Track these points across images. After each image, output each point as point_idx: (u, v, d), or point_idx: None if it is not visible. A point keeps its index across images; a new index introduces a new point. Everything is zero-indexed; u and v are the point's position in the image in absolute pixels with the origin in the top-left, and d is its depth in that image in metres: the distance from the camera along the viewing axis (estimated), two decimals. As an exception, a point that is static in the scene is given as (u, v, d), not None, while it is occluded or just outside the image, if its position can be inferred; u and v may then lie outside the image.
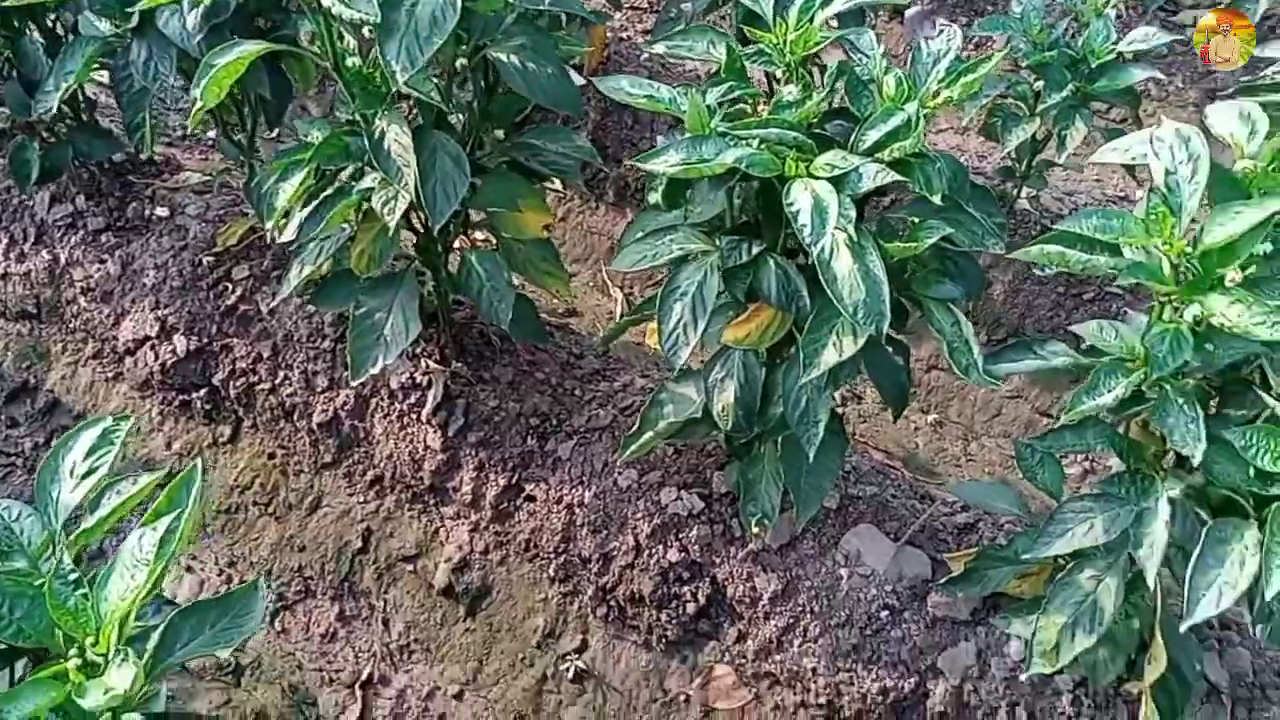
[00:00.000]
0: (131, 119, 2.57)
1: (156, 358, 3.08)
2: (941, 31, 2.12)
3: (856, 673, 2.50)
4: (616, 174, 3.81)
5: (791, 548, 2.63)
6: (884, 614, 2.53)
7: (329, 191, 2.35)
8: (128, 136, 2.63)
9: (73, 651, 1.22)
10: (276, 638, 2.88)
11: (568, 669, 2.76)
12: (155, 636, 1.33)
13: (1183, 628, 1.66)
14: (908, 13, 4.33)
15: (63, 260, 3.22)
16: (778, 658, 2.58)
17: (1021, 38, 2.94)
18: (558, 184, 3.64)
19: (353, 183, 2.33)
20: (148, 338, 3.10)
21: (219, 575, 2.97)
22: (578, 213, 3.89)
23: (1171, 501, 1.84)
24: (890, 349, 2.27)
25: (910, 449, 3.51)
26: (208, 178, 3.43)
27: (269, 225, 2.27)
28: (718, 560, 2.66)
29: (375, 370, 2.56)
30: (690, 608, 2.67)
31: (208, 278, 3.12)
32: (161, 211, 3.25)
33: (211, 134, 3.93)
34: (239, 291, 3.09)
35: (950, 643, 2.49)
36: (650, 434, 2.38)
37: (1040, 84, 2.92)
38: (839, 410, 2.38)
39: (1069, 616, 2.04)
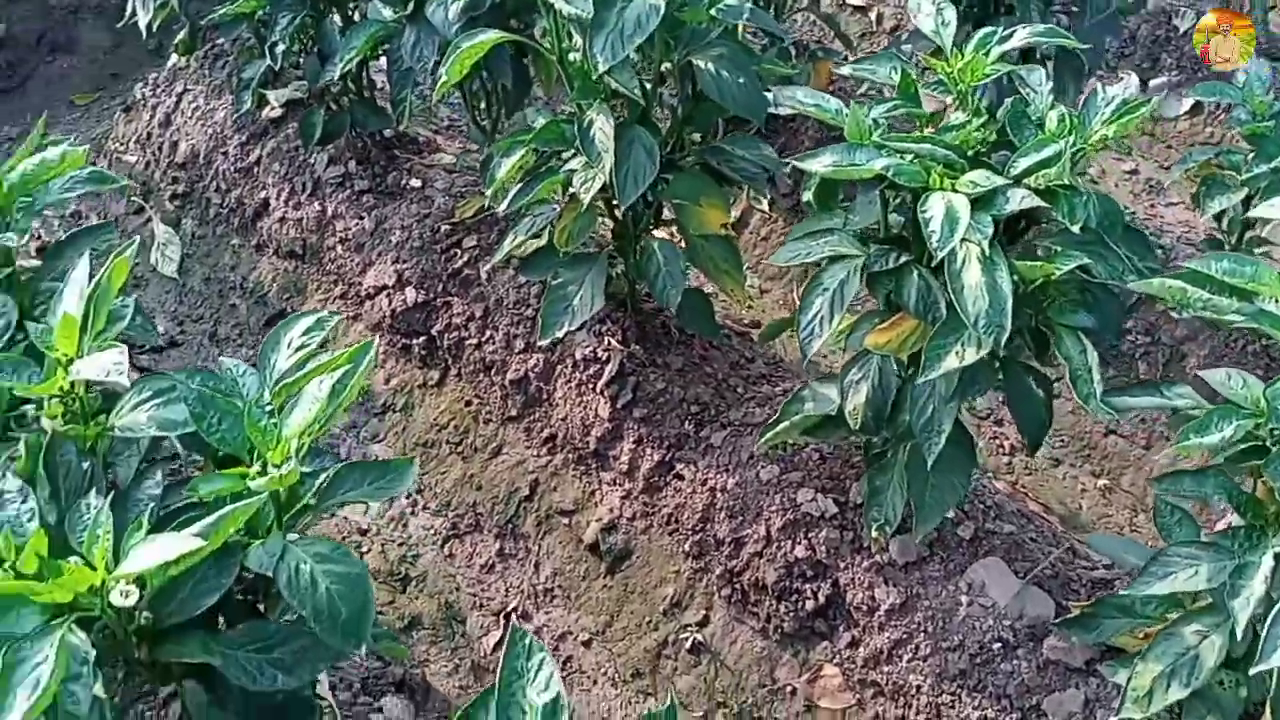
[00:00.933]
0: (397, 94, 3.04)
1: (390, 304, 3.56)
2: (1122, 79, 2.20)
3: (960, 698, 2.54)
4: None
5: (916, 566, 2.71)
6: (997, 646, 2.56)
7: (542, 169, 2.69)
8: (392, 109, 3.10)
9: (256, 461, 1.56)
10: (444, 560, 3.25)
11: (687, 639, 2.95)
12: (325, 476, 1.67)
13: (1252, 670, 1.67)
14: (1152, 83, 4.27)
15: (329, 213, 3.78)
16: (886, 669, 2.66)
17: (1241, 106, 2.90)
18: (758, 202, 3.88)
19: (561, 164, 2.66)
20: (386, 286, 3.58)
21: (406, 499, 3.38)
22: (779, 234, 4.10)
23: (1277, 557, 1.83)
24: (1032, 381, 2.35)
25: (1073, 509, 3.46)
26: (456, 160, 3.91)
27: (488, 192, 2.65)
28: (842, 565, 2.78)
29: (559, 334, 2.90)
30: (809, 605, 2.80)
31: (442, 243, 3.57)
32: (415, 183, 3.75)
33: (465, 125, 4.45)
34: (465, 258, 3.51)
35: (1059, 687, 2.49)
36: (787, 424, 2.55)
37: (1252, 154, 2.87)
38: (970, 431, 2.45)
39: (1166, 665, 2.04)
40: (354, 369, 1.59)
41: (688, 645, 2.95)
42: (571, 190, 2.68)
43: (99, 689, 1.35)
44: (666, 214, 2.95)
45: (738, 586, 2.91)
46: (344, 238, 3.74)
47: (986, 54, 2.18)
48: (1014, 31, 2.29)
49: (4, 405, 1.63)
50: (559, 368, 3.28)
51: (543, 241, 3.03)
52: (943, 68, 2.19)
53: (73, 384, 1.57)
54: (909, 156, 2.04)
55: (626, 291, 3.16)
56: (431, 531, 3.32)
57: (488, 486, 3.36)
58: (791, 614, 2.82)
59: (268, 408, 1.60)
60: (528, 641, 1.45)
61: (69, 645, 1.27)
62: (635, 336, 3.24)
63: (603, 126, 2.46)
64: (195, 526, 1.34)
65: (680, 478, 3.04)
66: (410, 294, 3.54)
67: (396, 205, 3.71)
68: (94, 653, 1.30)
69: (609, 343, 3.22)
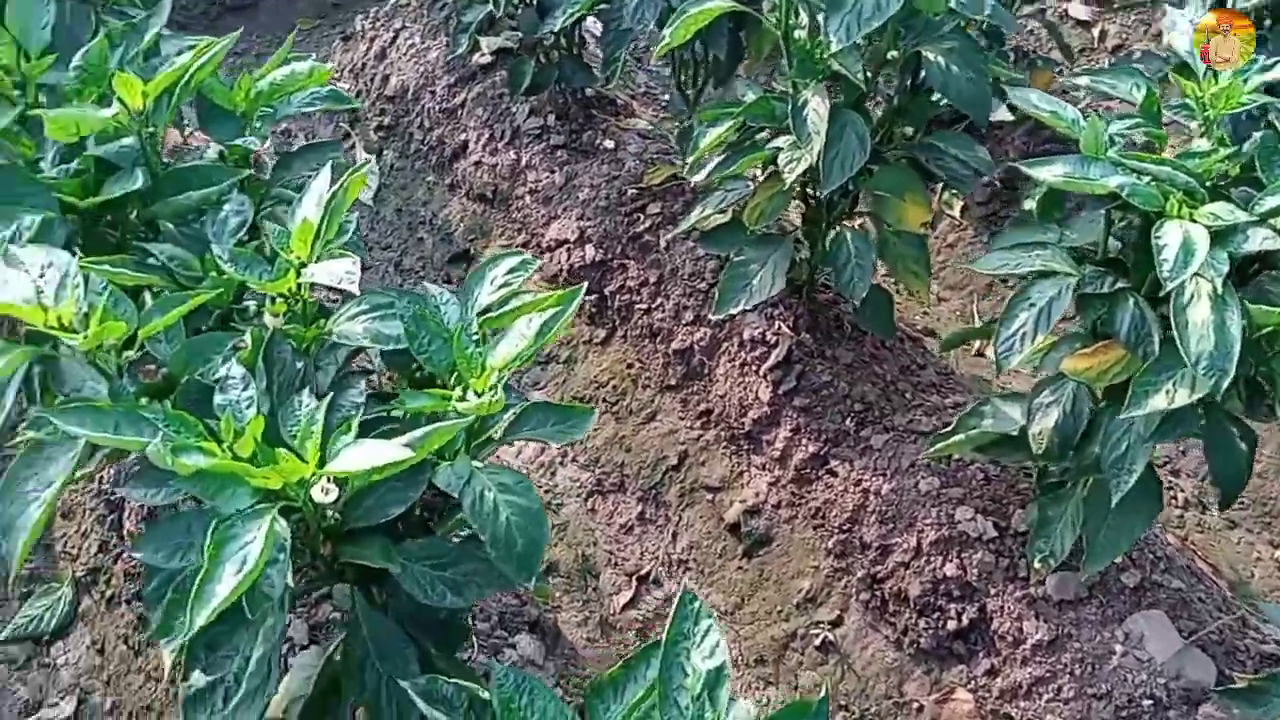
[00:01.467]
0: (610, 54, 3.07)
1: (569, 259, 3.61)
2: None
3: (1098, 748, 2.44)
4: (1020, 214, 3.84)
5: (1073, 606, 2.60)
6: (1148, 703, 2.44)
7: (745, 144, 2.67)
8: (602, 69, 3.13)
9: (458, 386, 1.61)
10: (585, 514, 3.30)
11: (817, 636, 2.91)
12: (514, 410, 1.71)
13: None
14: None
15: (523, 163, 3.86)
16: (1023, 704, 2.57)
17: None
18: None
19: (765, 141, 2.64)
20: (566, 241, 3.63)
21: (558, 449, 3.43)
22: (968, 243, 3.97)
23: None
24: (1237, 433, 2.21)
25: (1244, 576, 3.25)
26: (651, 127, 3.93)
27: (688, 160, 2.64)
28: (993, 591, 2.69)
29: (734, 311, 2.89)
30: (950, 625, 2.72)
31: (626, 206, 3.59)
32: (608, 144, 3.78)
33: (667, 96, 4.46)
34: (647, 224, 3.53)
35: (1209, 757, 2.36)
36: (961, 437, 2.47)
37: None
38: (1161, 479, 2.32)
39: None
40: (561, 312, 1.61)
41: (817, 642, 2.92)
42: (773, 169, 2.66)
43: (289, 577, 1.42)
44: (860, 205, 2.89)
45: (878, 593, 2.86)
46: (534, 189, 3.81)
47: (1245, 82, 2.04)
48: (1278, 62, 2.14)
49: (230, 297, 1.72)
50: (725, 345, 3.27)
51: (728, 217, 3.02)
52: (1192, 90, 2.06)
53: (300, 286, 1.64)
54: (1146, 178, 1.93)
55: (805, 278, 3.11)
56: (577, 484, 3.37)
57: (637, 450, 3.39)
58: (931, 631, 2.74)
59: (474, 336, 1.64)
60: (695, 606, 1.44)
61: (275, 530, 1.33)
62: (806, 325, 3.20)
63: (817, 108, 2.42)
64: (404, 437, 1.39)
65: (833, 474, 3.00)
66: (589, 251, 3.59)
67: (588, 163, 3.75)
68: (289, 541, 1.36)
69: (779, 327, 3.19)
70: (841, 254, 2.68)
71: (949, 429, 2.54)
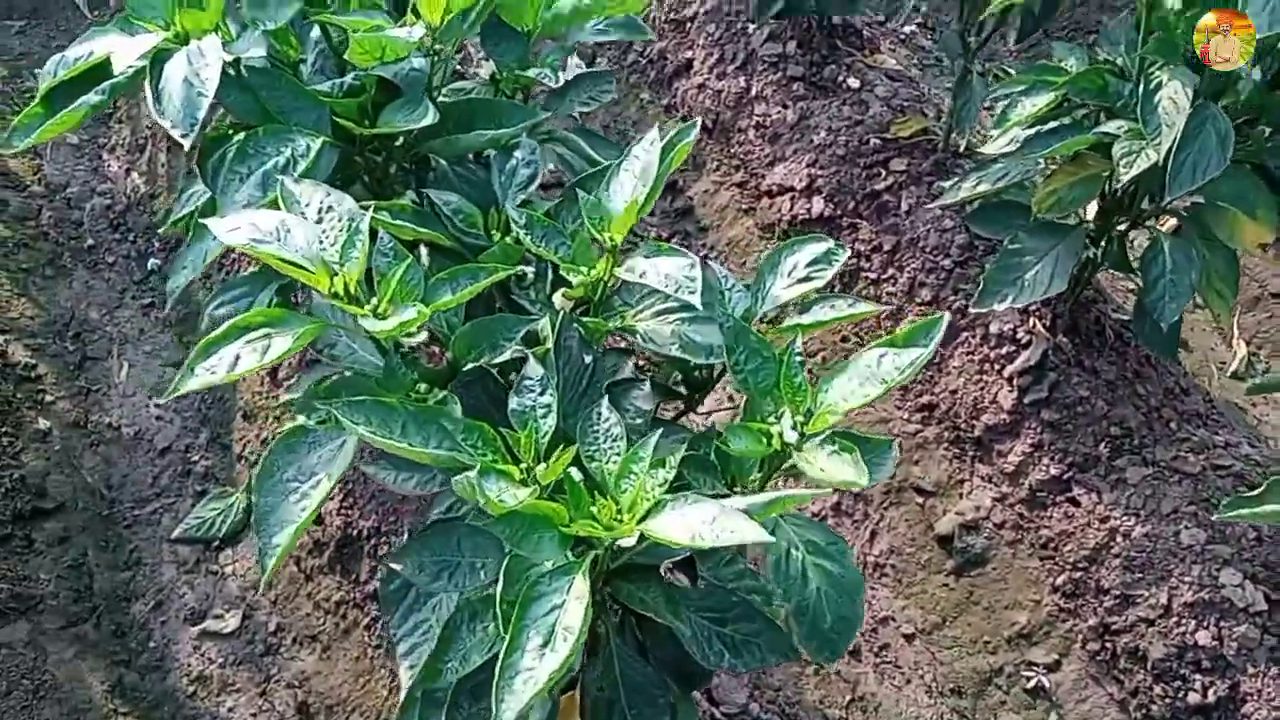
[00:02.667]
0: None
1: (791, 208, 3.28)
2: None
3: None
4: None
5: (1347, 705, 2.25)
6: None
7: (1064, 122, 2.28)
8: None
9: (773, 416, 1.34)
10: (777, 495, 3.04)
11: (1029, 679, 2.63)
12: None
13: None
14: None
15: (753, 92, 3.50)
16: (1266, 802, 2.26)
17: None
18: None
19: (1090, 123, 2.24)
20: (792, 189, 3.29)
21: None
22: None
23: None
24: None
25: None
26: (900, 67, 3.51)
27: (995, 132, 2.27)
28: (1251, 670, 2.35)
29: (999, 307, 2.53)
30: (1192, 698, 2.40)
31: (867, 158, 3.22)
32: (852, 82, 3.39)
33: (909, 28, 4.01)
34: (889, 181, 3.16)
35: None
36: (1274, 508, 2.11)
37: None
38: None
39: None
40: (922, 353, 1.30)
41: (1028, 684, 2.63)
42: (1084, 152, 2.27)
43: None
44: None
45: (1109, 646, 2.54)
46: (760, 123, 3.45)
47: None
48: None
49: (516, 258, 1.46)
50: (965, 335, 2.92)
51: (1005, 196, 2.64)
52: None
53: (605, 272, 1.37)
54: None
55: (1079, 278, 2.72)
56: (772, 461, 3.11)
57: (842, 433, 3.10)
58: (1167, 700, 2.43)
59: (798, 358, 1.35)
60: None
61: (584, 592, 1.09)
62: (1065, 327, 2.82)
63: (1174, 95, 2.01)
64: (741, 502, 1.12)
65: (1075, 503, 2.66)
66: (817, 204, 3.24)
67: (827, 103, 3.38)
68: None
69: (1035, 325, 2.82)
70: (1155, 266, 2.29)
71: (1257, 492, 2.17)
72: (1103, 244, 2.57)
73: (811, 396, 1.32)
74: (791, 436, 1.32)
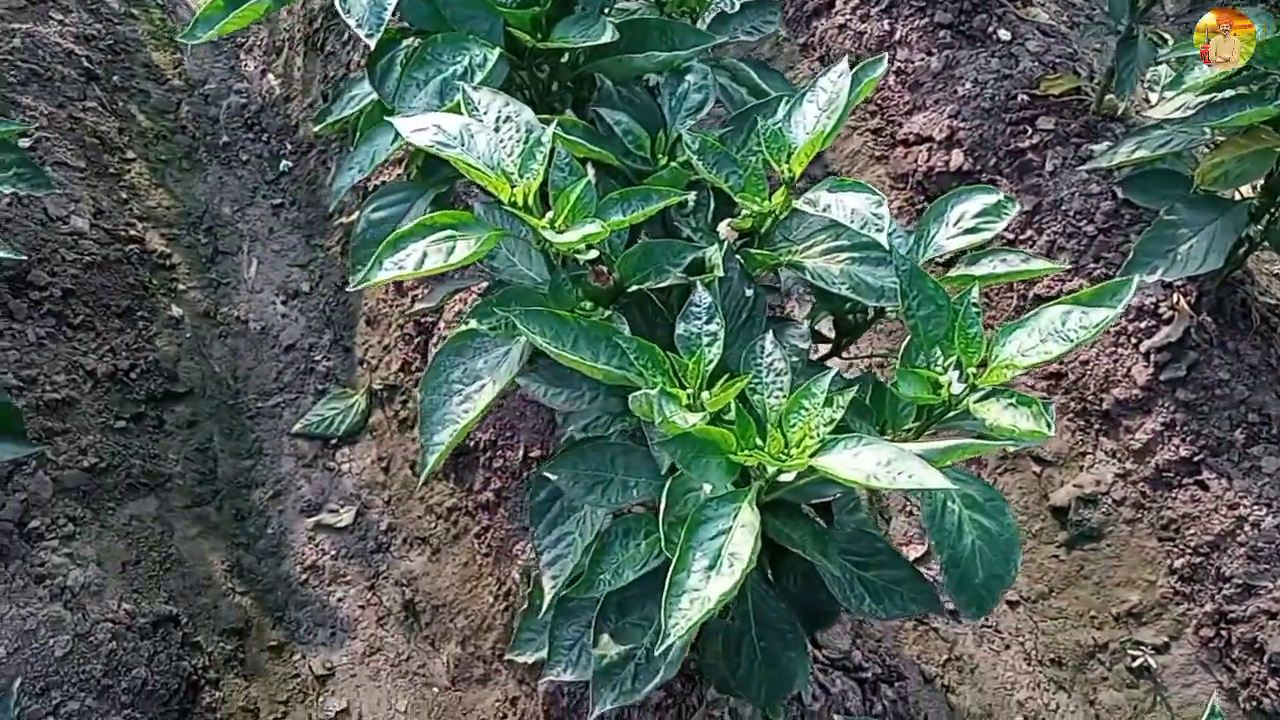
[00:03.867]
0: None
1: (928, 160, 3.19)
2: None
3: None
4: None
5: None
6: None
7: (1242, 91, 2.16)
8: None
9: (939, 366, 1.31)
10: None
11: (1134, 658, 2.57)
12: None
13: None
14: None
15: (896, 36, 3.39)
16: (1376, 810, 2.19)
17: None
18: None
19: (1273, 94, 2.12)
20: (930, 139, 3.20)
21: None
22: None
23: None
24: None
25: None
26: (1052, 22, 3.36)
27: (1167, 93, 2.16)
28: (1375, 674, 2.27)
29: (1148, 278, 2.44)
30: (1308, 696, 2.33)
31: (1013, 114, 3.11)
32: (1003, 34, 3.26)
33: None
34: (1035, 140, 3.05)
35: None
36: None
37: None
38: None
39: None
40: (1109, 313, 1.26)
41: (1132, 663, 2.58)
42: (1259, 125, 2.15)
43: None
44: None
45: (1223, 634, 2.48)
46: (902, 69, 3.35)
47: None
48: None
49: (684, 183, 1.45)
50: (1101, 304, 2.82)
51: (1163, 164, 2.52)
52: None
53: (780, 206, 1.35)
54: None
55: (1233, 255, 2.60)
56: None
57: (959, 393, 3.04)
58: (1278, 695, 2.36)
59: (974, 311, 1.31)
60: None
61: (753, 523, 1.09)
62: (1210, 306, 2.71)
63: (1375, 69, 1.89)
64: (916, 447, 1.10)
65: (1204, 487, 2.58)
66: (956, 157, 3.15)
67: (974, 53, 3.26)
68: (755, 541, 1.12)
69: (1178, 301, 2.71)
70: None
71: None
72: (1264, 222, 2.45)
73: (986, 348, 1.29)
74: (958, 388, 1.29)
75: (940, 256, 1.58)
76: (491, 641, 2.56)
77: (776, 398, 1.25)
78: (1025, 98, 3.13)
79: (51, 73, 3.22)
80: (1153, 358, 2.69)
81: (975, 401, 1.23)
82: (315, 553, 2.77)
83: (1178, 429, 2.63)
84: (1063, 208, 2.95)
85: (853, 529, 1.42)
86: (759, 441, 1.15)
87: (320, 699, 2.56)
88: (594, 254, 1.31)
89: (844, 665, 2.31)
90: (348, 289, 1.49)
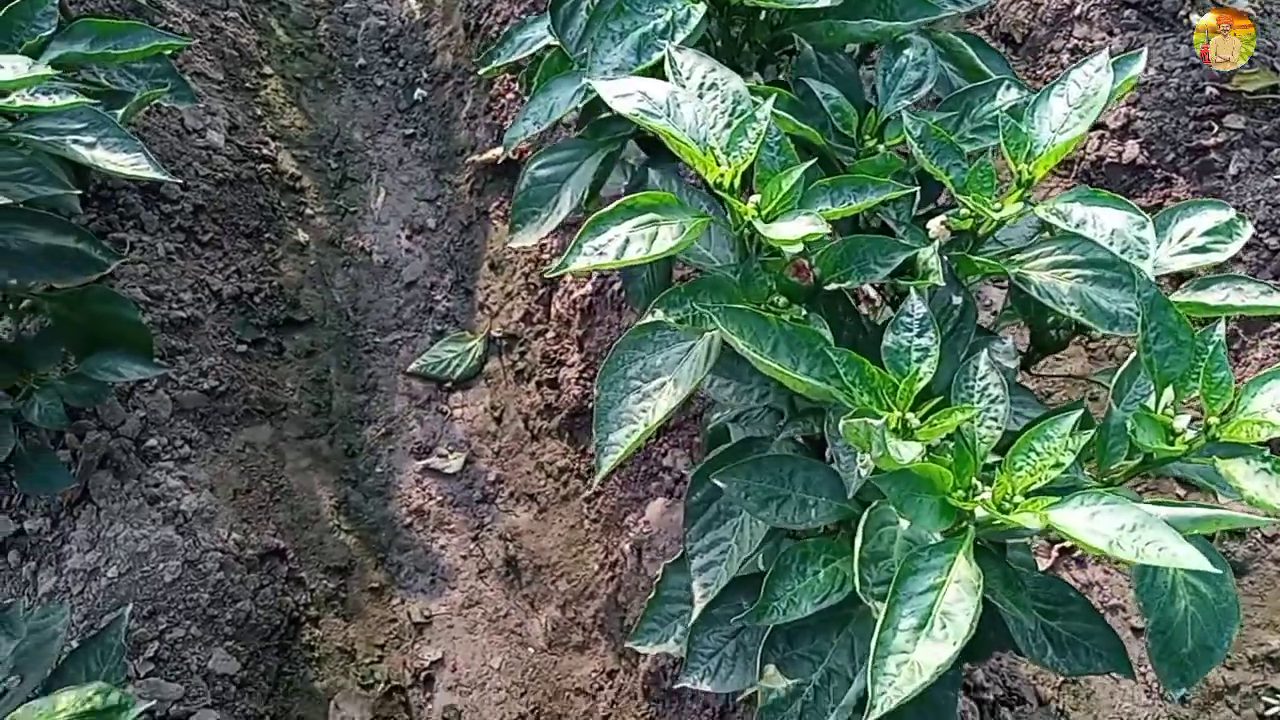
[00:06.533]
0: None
1: (1098, 147, 2.96)
2: None
3: None
4: None
5: None
6: None
7: None
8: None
9: (1171, 409, 1.16)
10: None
11: (1269, 707, 2.40)
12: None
13: None
14: None
15: (1076, 11, 3.15)
16: None
17: None
18: None
19: None
20: (1103, 126, 2.97)
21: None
22: None
23: None
24: None
25: None
26: (1252, 11, 3.08)
27: None
28: None
29: None
30: None
31: (1199, 108, 2.87)
32: (1195, 19, 3.00)
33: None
34: (1220, 138, 2.81)
35: None
36: None
37: None
38: None
39: None
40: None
41: (1265, 710, 2.41)
42: None
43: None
44: None
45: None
46: (1079, 47, 3.11)
47: None
48: None
49: (895, 171, 1.30)
50: (1276, 324, 2.60)
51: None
52: None
53: (1012, 213, 1.20)
54: None
55: None
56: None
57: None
58: None
59: (1221, 352, 1.16)
60: None
61: (964, 580, 0.97)
62: (1404, 340, 2.47)
63: None
64: (1164, 512, 0.97)
65: (1374, 536, 2.37)
66: (1130, 148, 2.92)
67: (1161, 37, 3.00)
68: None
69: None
70: None
71: None
72: None
73: (1234, 397, 1.14)
74: (1190, 435, 1.15)
75: (1161, 275, 1.43)
76: (593, 610, 2.50)
77: (989, 427, 1.12)
78: (1214, 91, 2.88)
79: (197, -20, 3.17)
80: None
81: (1220, 458, 1.09)
82: (422, 497, 2.73)
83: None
84: (1245, 215, 2.71)
85: (1039, 574, 1.29)
86: (976, 482, 1.02)
87: (416, 647, 2.53)
88: (798, 247, 1.18)
89: (965, 684, 2.19)
90: (510, 244, 1.39)
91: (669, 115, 1.15)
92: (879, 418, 1.01)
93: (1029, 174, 1.18)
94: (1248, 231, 1.46)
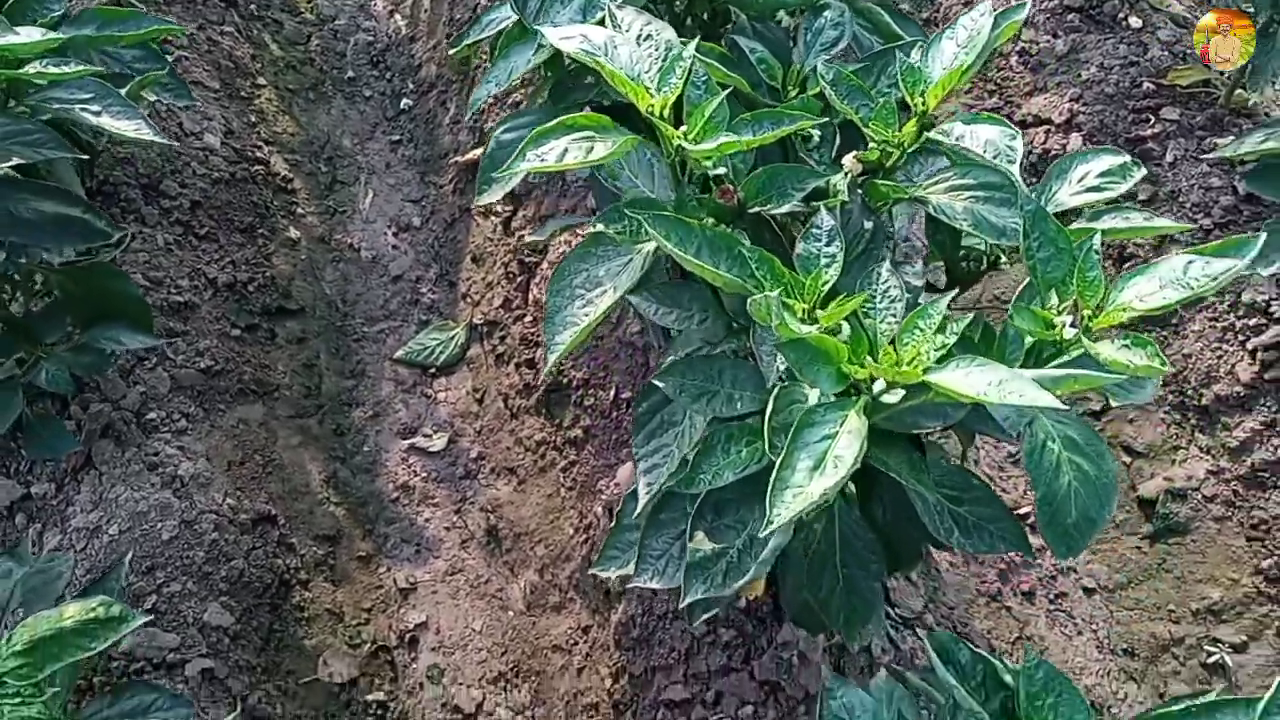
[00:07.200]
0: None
1: (1045, 142, 3.15)
2: None
3: None
4: None
5: None
6: None
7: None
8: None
9: (1056, 310, 1.32)
10: (974, 427, 3.00)
11: (1210, 655, 2.54)
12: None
13: None
14: None
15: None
16: None
17: None
18: None
19: None
20: (1049, 121, 3.16)
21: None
22: None
23: None
24: None
25: None
26: (1190, 17, 3.29)
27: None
28: None
29: (1265, 271, 2.39)
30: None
31: (1137, 101, 3.06)
32: (1134, 22, 3.21)
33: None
34: (1157, 129, 3.00)
35: None
36: None
37: None
38: None
39: None
40: (1233, 265, 1.26)
41: (1207, 659, 2.54)
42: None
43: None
44: None
45: (1308, 640, 2.43)
46: (1026, 50, 3.31)
47: None
48: None
49: (815, 113, 1.48)
50: (1211, 300, 2.77)
51: (1292, 157, 2.46)
52: None
53: (910, 140, 1.37)
54: None
55: (1354, 256, 2.53)
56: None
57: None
58: (1363, 706, 2.31)
59: (1095, 256, 1.33)
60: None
61: (860, 431, 1.13)
62: (1326, 308, 2.64)
63: None
64: (1031, 372, 1.13)
65: (1301, 489, 2.52)
66: (1074, 140, 3.10)
67: (1103, 38, 3.20)
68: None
69: (1302, 300, 2.65)
70: None
71: None
72: (1396, 222, 2.38)
73: (1104, 293, 1.30)
74: (1070, 333, 1.31)
75: (1061, 212, 1.59)
76: (569, 571, 2.64)
77: (889, 323, 1.28)
78: (1151, 86, 3.07)
79: (195, -4, 3.37)
80: (1259, 355, 2.63)
81: (1091, 341, 1.25)
82: (407, 473, 2.88)
83: (1277, 428, 2.58)
84: (1180, 199, 2.89)
85: (947, 465, 1.44)
86: (870, 358, 1.18)
87: (401, 611, 2.66)
88: (722, 170, 1.35)
89: (915, 625, 2.33)
90: (475, 204, 1.56)
91: (607, 55, 1.33)
92: (785, 300, 1.17)
93: (923, 105, 1.35)
94: (1140, 173, 1.62)
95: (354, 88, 3.75)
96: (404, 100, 3.69)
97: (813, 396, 1.22)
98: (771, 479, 1.08)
